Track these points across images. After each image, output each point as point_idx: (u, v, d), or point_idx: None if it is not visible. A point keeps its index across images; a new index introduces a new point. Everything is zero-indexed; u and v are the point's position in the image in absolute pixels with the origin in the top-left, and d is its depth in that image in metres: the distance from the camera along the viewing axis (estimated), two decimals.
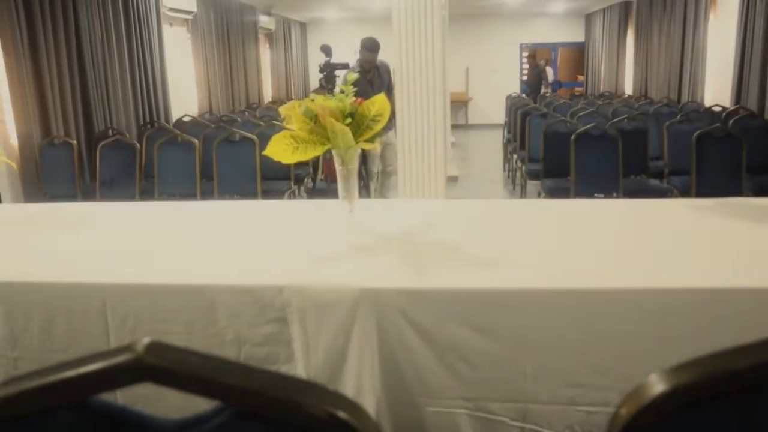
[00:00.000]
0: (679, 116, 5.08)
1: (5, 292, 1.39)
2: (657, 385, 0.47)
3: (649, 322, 1.22)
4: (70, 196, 4.32)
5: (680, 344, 1.21)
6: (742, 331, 1.20)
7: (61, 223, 2.00)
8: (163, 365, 0.48)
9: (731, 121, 4.77)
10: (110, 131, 5.44)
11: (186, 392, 0.48)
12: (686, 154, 3.81)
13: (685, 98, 7.69)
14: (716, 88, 7.14)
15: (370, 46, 4.90)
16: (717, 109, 5.96)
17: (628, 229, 1.72)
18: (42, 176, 4.60)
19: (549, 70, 12.25)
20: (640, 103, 7.51)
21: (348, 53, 5.14)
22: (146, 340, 0.49)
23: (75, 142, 4.64)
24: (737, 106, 6.06)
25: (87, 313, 1.35)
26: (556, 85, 12.67)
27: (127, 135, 5.45)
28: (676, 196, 4.03)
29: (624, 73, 10.83)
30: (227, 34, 9.07)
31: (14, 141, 4.76)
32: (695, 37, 7.54)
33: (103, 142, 4.42)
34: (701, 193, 3.58)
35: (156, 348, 0.48)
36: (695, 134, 3.74)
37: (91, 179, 4.95)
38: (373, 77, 4.97)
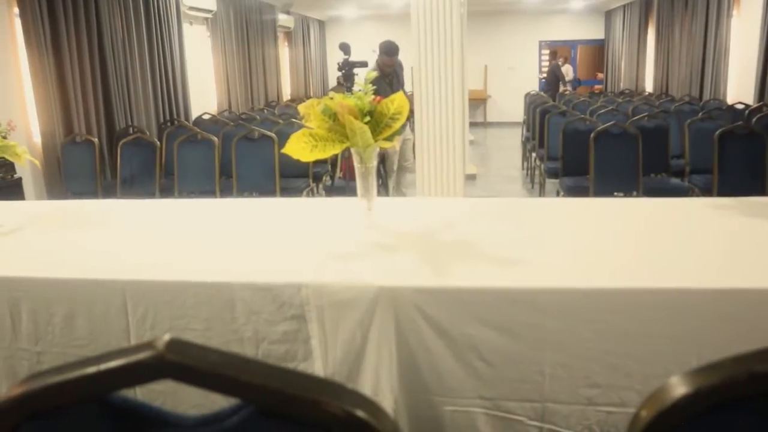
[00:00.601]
0: (700, 114, 5.00)
1: (29, 287, 1.41)
2: (679, 388, 0.46)
3: (669, 323, 1.21)
4: (92, 194, 4.38)
5: (701, 346, 1.20)
6: (766, 333, 1.18)
7: (82, 220, 2.02)
8: (183, 362, 0.48)
9: (754, 119, 4.69)
10: (131, 129, 5.50)
11: (205, 389, 0.48)
12: (708, 153, 3.75)
13: (707, 96, 7.58)
14: (739, 86, 7.03)
15: (389, 51, 4.90)
16: (740, 106, 5.87)
17: (648, 228, 1.70)
18: (64, 174, 4.67)
19: (568, 68, 12.13)
20: (661, 100, 7.42)
21: (366, 51, 5.14)
22: (167, 337, 0.49)
23: (96, 140, 4.70)
24: (761, 103, 5.96)
25: (108, 309, 1.37)
26: (576, 82, 12.56)
27: (148, 133, 5.51)
28: (697, 195, 3.98)
29: (644, 70, 10.70)
30: (246, 32, 9.13)
31: (37, 139, 4.83)
32: (718, 33, 7.43)
33: (124, 140, 4.48)
34: (723, 192, 3.53)
35: (176, 345, 0.49)
36: (717, 132, 3.68)
37: (112, 177, 5.01)
38: (393, 79, 4.98)
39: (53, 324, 1.39)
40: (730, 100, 6.81)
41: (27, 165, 2.04)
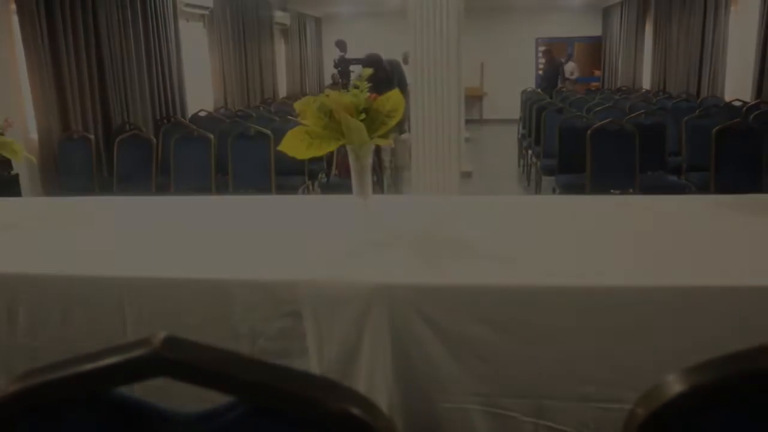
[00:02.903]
0: (698, 111, 5.01)
1: (25, 284, 1.41)
2: (675, 385, 0.47)
3: (666, 320, 1.21)
4: (88, 190, 4.37)
5: (698, 343, 1.20)
6: (763, 331, 1.19)
7: (79, 216, 2.02)
8: (179, 359, 0.48)
9: (752, 116, 4.69)
10: (127, 126, 5.48)
11: (201, 387, 0.48)
12: (705, 150, 3.75)
13: (704, 93, 7.59)
14: (737, 83, 7.04)
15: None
16: (737, 103, 5.87)
17: (645, 225, 1.70)
18: (60, 170, 4.65)
19: (573, 66, 12.14)
20: (659, 98, 7.42)
21: (363, 49, 5.13)
22: (162, 334, 0.49)
23: (93, 136, 4.68)
24: (758, 100, 5.96)
25: (104, 305, 1.37)
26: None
27: (144, 130, 5.49)
28: (694, 193, 3.99)
29: (642, 67, 10.70)
30: (243, 29, 9.10)
31: (34, 135, 4.82)
32: (715, 30, 7.43)
33: (121, 137, 4.46)
34: (720, 189, 3.53)
35: (172, 342, 0.49)
36: (715, 129, 3.68)
37: (109, 174, 5.00)
38: (381, 85, 4.98)
39: (50, 320, 1.39)
40: (727, 97, 6.82)
41: (24, 161, 2.03)
